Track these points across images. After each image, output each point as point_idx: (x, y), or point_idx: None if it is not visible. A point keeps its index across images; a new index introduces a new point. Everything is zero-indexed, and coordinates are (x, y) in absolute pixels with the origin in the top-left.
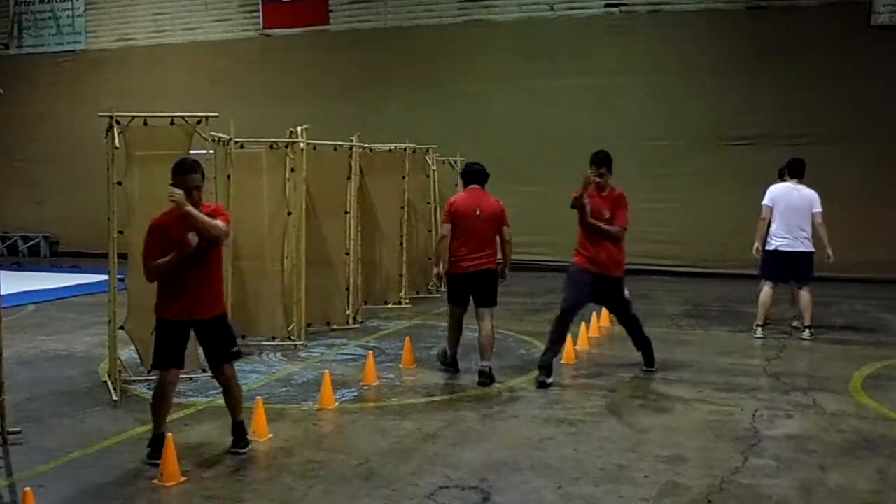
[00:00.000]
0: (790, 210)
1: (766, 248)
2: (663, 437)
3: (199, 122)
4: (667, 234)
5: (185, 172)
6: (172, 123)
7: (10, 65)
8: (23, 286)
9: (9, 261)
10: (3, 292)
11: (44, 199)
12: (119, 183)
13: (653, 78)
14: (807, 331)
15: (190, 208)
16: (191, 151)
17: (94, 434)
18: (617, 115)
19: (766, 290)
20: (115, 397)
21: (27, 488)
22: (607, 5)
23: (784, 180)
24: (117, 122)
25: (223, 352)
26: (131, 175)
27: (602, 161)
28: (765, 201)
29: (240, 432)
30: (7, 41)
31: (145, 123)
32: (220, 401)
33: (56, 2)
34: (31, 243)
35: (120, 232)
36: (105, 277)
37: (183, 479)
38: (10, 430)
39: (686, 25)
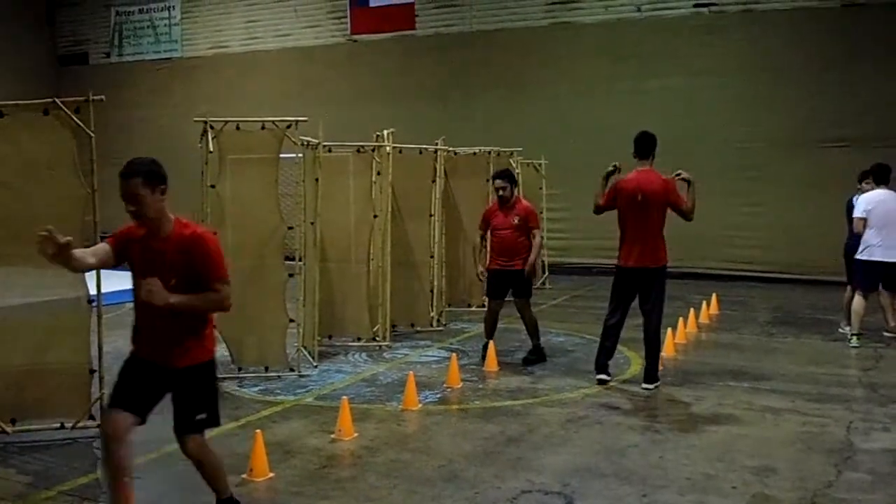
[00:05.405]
0: (885, 216)
1: (859, 256)
2: (752, 448)
3: (288, 127)
4: (757, 239)
5: (121, 177)
6: (263, 128)
7: (111, 72)
8: (122, 285)
9: None
10: (104, 290)
11: None
12: (213, 186)
13: (743, 78)
14: None
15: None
16: (280, 155)
17: None
18: (706, 117)
19: (859, 298)
20: None
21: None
22: (696, 5)
23: (865, 185)
24: (211, 127)
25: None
26: (224, 178)
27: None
28: (858, 213)
29: None
30: (109, 50)
31: (238, 128)
32: (308, 399)
33: (154, 11)
34: None
35: (213, 233)
36: None
37: (271, 474)
38: None
39: (779, 24)
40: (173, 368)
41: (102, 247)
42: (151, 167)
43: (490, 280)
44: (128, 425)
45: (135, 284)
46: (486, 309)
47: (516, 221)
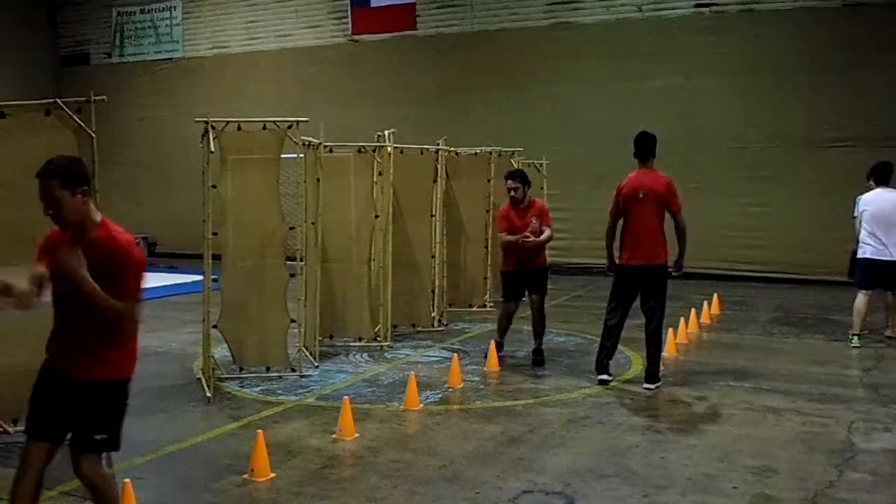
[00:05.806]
0: (878, 215)
1: (857, 255)
2: (753, 448)
3: (289, 127)
4: (758, 239)
5: (38, 177)
6: (264, 128)
7: (112, 72)
8: None
9: None
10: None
11: (143, 202)
12: (214, 186)
13: (744, 78)
14: None
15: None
16: (282, 156)
17: (188, 429)
18: (706, 117)
19: (862, 297)
20: (208, 394)
21: (127, 480)
22: (697, 5)
23: (873, 184)
24: (212, 128)
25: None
26: (225, 178)
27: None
28: (854, 215)
29: None
30: (110, 50)
31: (239, 128)
32: (309, 399)
33: (155, 12)
34: None
35: (214, 234)
36: (200, 277)
37: (272, 474)
38: None
39: (779, 24)
40: (76, 380)
41: (39, 271)
42: (72, 167)
43: (508, 281)
44: (43, 459)
45: (54, 287)
46: (486, 309)
47: (535, 222)
